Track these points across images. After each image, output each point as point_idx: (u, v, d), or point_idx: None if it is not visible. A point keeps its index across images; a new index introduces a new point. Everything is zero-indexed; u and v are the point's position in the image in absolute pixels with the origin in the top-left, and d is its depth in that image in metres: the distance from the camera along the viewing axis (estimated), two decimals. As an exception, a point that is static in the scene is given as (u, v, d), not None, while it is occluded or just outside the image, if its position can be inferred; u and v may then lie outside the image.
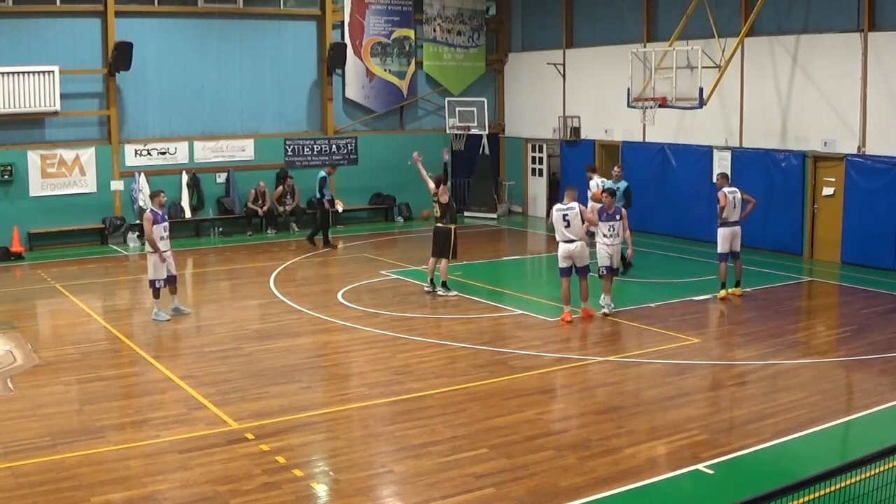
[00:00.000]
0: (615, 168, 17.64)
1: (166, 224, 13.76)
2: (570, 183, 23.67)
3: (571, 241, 13.07)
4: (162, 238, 13.55)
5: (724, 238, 14.68)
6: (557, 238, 13.26)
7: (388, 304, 14.63)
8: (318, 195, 20.48)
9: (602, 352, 11.82)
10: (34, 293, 15.93)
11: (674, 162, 21.08)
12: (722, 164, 19.67)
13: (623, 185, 16.86)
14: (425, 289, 15.28)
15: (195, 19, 21.96)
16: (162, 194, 14.02)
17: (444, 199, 15.08)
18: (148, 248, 13.70)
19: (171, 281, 13.76)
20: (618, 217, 13.64)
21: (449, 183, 15.55)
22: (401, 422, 9.26)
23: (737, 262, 14.87)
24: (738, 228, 14.76)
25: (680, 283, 16.14)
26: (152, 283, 13.61)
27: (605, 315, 13.47)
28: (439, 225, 15.18)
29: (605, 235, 13.61)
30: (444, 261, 15.10)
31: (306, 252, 19.74)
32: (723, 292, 14.72)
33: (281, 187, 22.50)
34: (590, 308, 13.46)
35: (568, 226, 13.05)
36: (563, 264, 13.21)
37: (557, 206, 13.32)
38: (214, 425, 9.11)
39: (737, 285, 14.89)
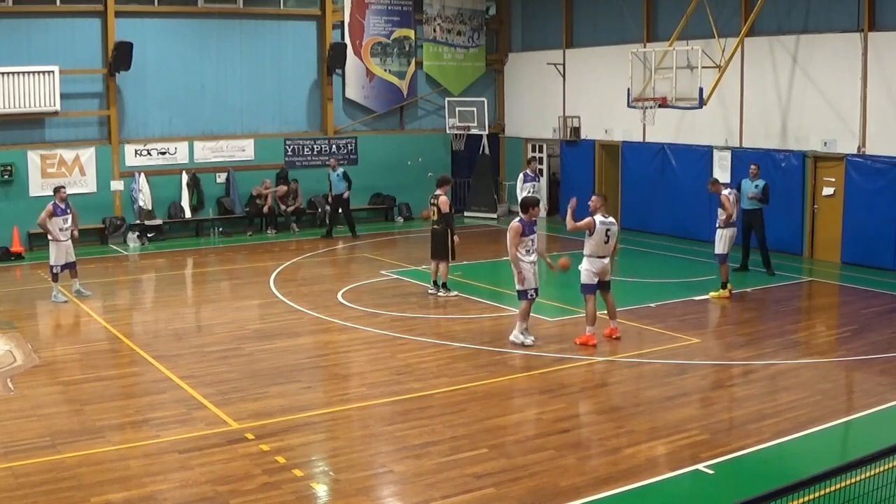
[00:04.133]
0: (752, 166, 16.62)
1: (67, 216, 14.98)
2: (571, 184, 23.95)
3: (605, 257, 11.99)
4: (62, 229, 14.88)
5: (729, 239, 14.73)
6: (590, 252, 11.94)
7: (388, 304, 14.62)
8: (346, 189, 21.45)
9: (602, 352, 11.81)
10: (34, 293, 15.92)
11: (674, 162, 21.08)
12: (722, 164, 19.69)
13: (761, 183, 16.30)
14: (429, 291, 15.27)
15: (195, 19, 21.96)
16: (63, 189, 15.20)
17: (445, 209, 15.06)
18: (50, 237, 14.91)
19: (70, 266, 15.11)
20: (535, 230, 12.08)
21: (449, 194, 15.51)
22: (401, 422, 9.26)
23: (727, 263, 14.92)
24: (735, 230, 14.83)
25: (680, 283, 16.14)
26: (51, 268, 14.98)
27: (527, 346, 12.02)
28: (435, 227, 15.20)
29: (527, 252, 11.92)
30: (443, 263, 15.12)
31: (306, 252, 19.76)
32: (725, 293, 14.73)
33: (286, 187, 22.52)
34: (618, 328, 12.30)
35: (607, 241, 11.91)
36: (593, 280, 11.99)
37: (599, 218, 11.89)
38: (214, 425, 9.11)
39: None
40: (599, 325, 12.31)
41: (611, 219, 12.10)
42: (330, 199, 21.78)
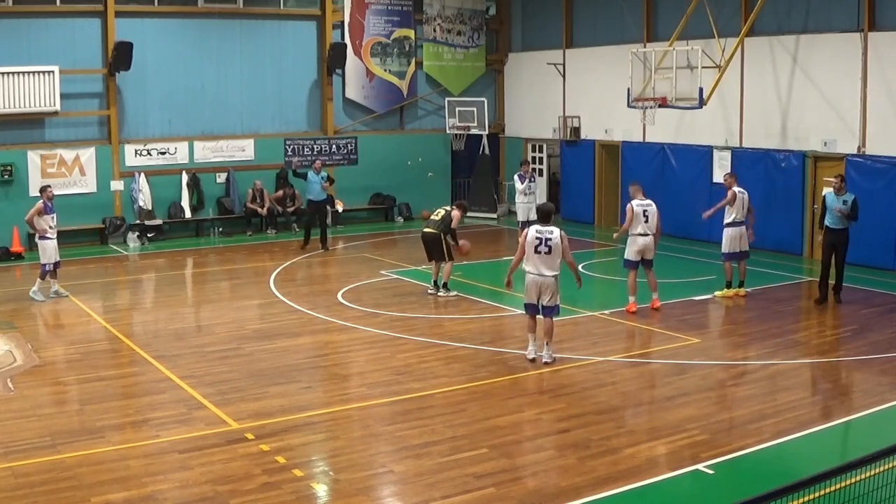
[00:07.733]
0: (836, 179, 14.39)
1: (54, 215, 15.18)
2: (571, 184, 23.96)
3: (646, 234, 13.70)
4: (51, 227, 15.05)
5: (733, 238, 14.68)
6: (632, 232, 13.77)
7: (388, 304, 14.62)
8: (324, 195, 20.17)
9: (602, 352, 11.82)
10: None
11: (674, 162, 21.07)
12: (722, 164, 19.68)
13: (850, 197, 14.00)
14: (428, 291, 15.27)
15: (195, 19, 21.95)
16: (49, 188, 15.36)
17: (455, 224, 15.22)
18: (38, 236, 15.05)
19: (56, 266, 15.16)
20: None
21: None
22: (401, 422, 9.26)
23: (742, 263, 14.86)
24: (744, 228, 14.76)
25: (680, 283, 16.13)
26: (43, 266, 15.02)
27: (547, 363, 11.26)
28: (427, 230, 15.21)
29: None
30: (445, 263, 15.12)
31: (306, 252, 19.74)
32: (730, 292, 14.73)
33: (281, 192, 22.50)
34: (659, 299, 13.98)
35: (647, 220, 13.73)
36: (634, 257, 13.79)
37: (636, 202, 13.81)
38: (214, 425, 9.11)
39: (740, 285, 14.89)
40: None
41: (647, 201, 13.89)
42: (306, 204, 20.54)
